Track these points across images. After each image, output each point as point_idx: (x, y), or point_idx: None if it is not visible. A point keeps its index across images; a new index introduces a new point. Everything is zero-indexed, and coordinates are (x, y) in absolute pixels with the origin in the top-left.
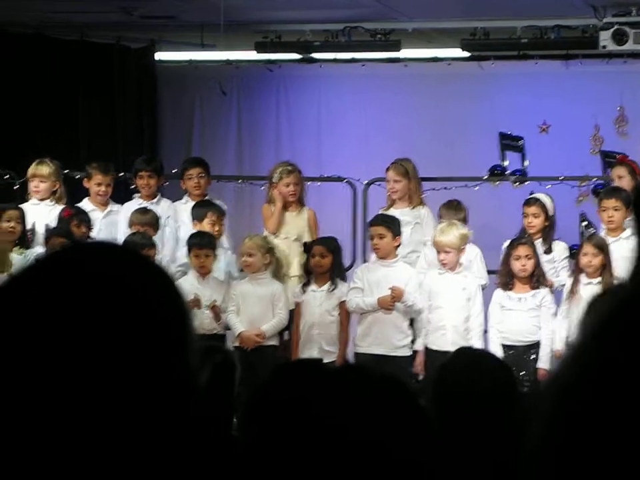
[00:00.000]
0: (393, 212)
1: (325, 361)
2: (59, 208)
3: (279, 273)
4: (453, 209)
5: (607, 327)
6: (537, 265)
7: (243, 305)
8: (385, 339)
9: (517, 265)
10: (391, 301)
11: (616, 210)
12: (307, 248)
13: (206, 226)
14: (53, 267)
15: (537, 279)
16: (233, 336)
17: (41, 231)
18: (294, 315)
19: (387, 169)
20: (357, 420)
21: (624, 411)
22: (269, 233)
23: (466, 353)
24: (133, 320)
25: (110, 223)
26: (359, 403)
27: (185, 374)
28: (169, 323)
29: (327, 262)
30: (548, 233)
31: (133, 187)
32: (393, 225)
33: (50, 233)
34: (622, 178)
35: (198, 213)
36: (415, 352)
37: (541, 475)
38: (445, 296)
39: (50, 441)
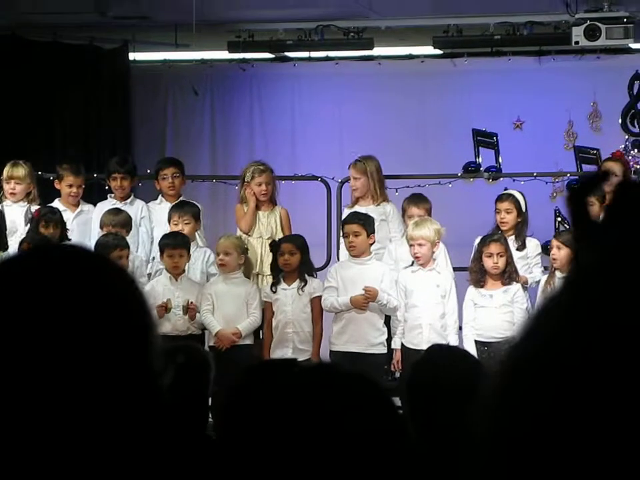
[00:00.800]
0: (357, 209)
1: (300, 359)
2: (33, 209)
3: (249, 273)
4: (415, 202)
5: (551, 306)
6: (509, 261)
7: (218, 305)
8: (360, 336)
9: (489, 262)
10: (364, 301)
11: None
12: (274, 246)
13: (173, 227)
14: (7, 272)
15: (508, 275)
16: (209, 334)
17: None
18: (265, 313)
19: (348, 167)
20: (331, 419)
21: (568, 391)
22: (241, 232)
23: (438, 350)
24: (91, 322)
25: (81, 223)
26: (332, 402)
27: (146, 375)
28: (130, 325)
29: (295, 260)
30: (521, 229)
31: (107, 187)
32: (368, 223)
33: (24, 239)
34: (615, 175)
35: (169, 215)
36: (392, 349)
37: (489, 462)
38: (420, 294)
39: (12, 441)
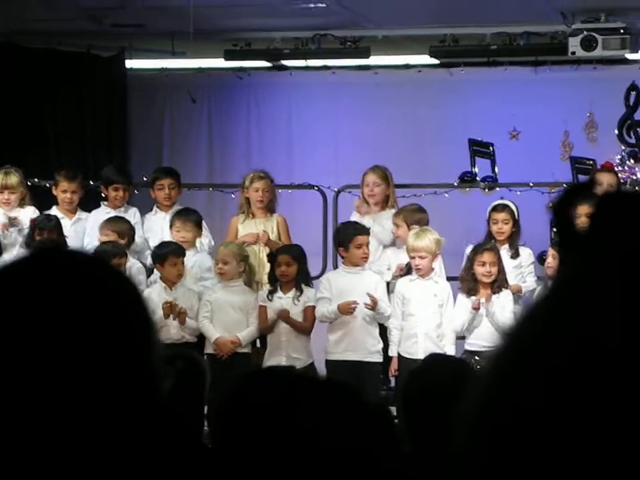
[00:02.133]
0: (381, 214)
1: (295, 367)
2: (25, 213)
3: (251, 281)
4: (413, 212)
5: (534, 311)
6: (500, 270)
7: (217, 313)
8: (357, 345)
9: (480, 270)
10: (351, 308)
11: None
12: (272, 257)
13: (175, 234)
14: (7, 275)
15: (498, 284)
16: (207, 342)
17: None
18: (260, 316)
19: (366, 172)
20: (319, 427)
21: (554, 390)
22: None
23: (435, 359)
24: (93, 326)
25: (78, 231)
26: (319, 412)
27: (148, 380)
28: (132, 329)
29: (292, 270)
30: (514, 238)
31: (103, 195)
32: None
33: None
34: (606, 185)
35: (171, 222)
36: (390, 357)
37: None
38: (417, 303)
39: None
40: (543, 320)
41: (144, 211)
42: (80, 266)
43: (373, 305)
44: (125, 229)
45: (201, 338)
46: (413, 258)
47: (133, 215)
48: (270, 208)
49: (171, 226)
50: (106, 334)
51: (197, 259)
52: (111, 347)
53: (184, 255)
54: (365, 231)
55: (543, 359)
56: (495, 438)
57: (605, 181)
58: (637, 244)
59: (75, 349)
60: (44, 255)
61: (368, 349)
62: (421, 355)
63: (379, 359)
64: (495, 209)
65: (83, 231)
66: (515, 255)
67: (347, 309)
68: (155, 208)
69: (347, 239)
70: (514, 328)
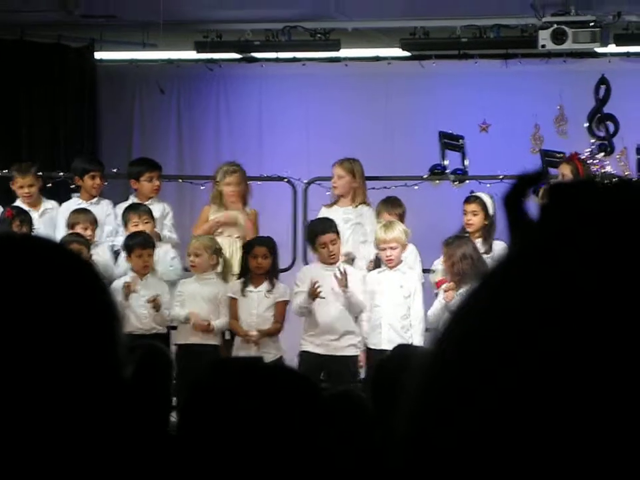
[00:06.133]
0: (336, 210)
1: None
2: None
3: (227, 275)
4: (391, 205)
5: (480, 286)
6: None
7: (189, 304)
8: (331, 337)
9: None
10: (317, 289)
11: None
12: (247, 247)
13: (132, 228)
14: None
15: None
16: (176, 333)
17: None
18: (230, 309)
19: (333, 165)
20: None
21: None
22: (195, 231)
23: (402, 349)
24: (55, 312)
25: (47, 221)
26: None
27: (110, 367)
28: (95, 315)
29: (267, 263)
30: (488, 232)
31: (72, 186)
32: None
33: None
34: (565, 176)
35: (124, 218)
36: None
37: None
38: (383, 294)
39: None
40: (485, 297)
41: (115, 202)
42: (40, 251)
43: (343, 279)
44: (91, 220)
45: (168, 329)
46: (383, 250)
47: (106, 205)
48: (243, 201)
49: (126, 222)
50: (67, 318)
51: (159, 251)
52: (73, 332)
53: (151, 246)
54: (329, 228)
55: (486, 332)
56: (437, 419)
57: (563, 172)
58: (583, 230)
59: (33, 332)
60: (9, 240)
61: (340, 343)
62: (385, 345)
63: (352, 352)
64: (467, 200)
65: (51, 221)
66: (489, 249)
67: (313, 292)
68: (132, 197)
69: (311, 239)
70: (459, 306)
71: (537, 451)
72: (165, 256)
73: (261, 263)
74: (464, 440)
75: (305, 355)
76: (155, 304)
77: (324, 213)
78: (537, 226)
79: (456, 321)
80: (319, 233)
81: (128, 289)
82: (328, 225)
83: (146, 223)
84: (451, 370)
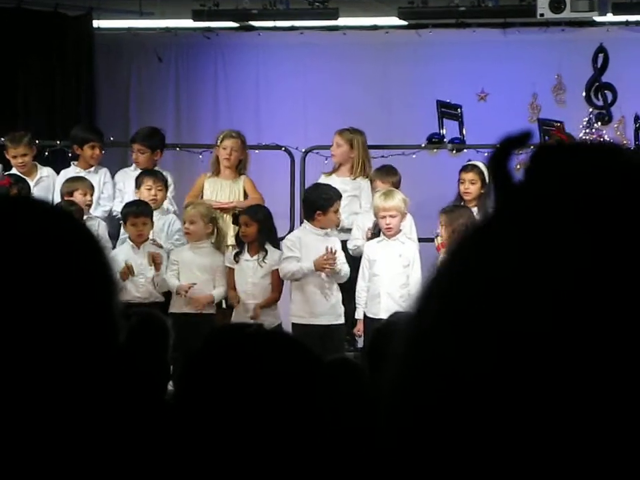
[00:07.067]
0: (334, 179)
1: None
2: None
3: (221, 245)
4: (386, 173)
5: (452, 255)
6: None
7: (184, 273)
8: (319, 308)
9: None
10: (325, 262)
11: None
12: (236, 218)
13: (144, 192)
14: None
15: None
16: (172, 301)
17: None
18: (228, 279)
19: (335, 133)
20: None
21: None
22: (187, 199)
23: (399, 317)
24: (52, 274)
25: (43, 189)
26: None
27: (105, 331)
28: (92, 280)
29: (251, 231)
30: (484, 201)
31: (70, 155)
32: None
33: None
34: None
35: (137, 181)
36: (356, 320)
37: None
38: (381, 263)
39: None
40: (461, 260)
41: (112, 171)
42: (35, 212)
43: (331, 258)
44: (89, 187)
45: (167, 298)
46: (383, 217)
47: (103, 174)
48: (239, 169)
49: (139, 185)
50: (62, 277)
51: (165, 221)
52: (69, 296)
53: (145, 215)
54: (341, 196)
55: (462, 300)
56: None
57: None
58: (565, 191)
59: (28, 292)
60: (5, 202)
61: (330, 313)
62: (383, 314)
63: (340, 321)
64: (464, 168)
65: (48, 188)
66: None
67: (322, 264)
68: (134, 165)
69: (328, 203)
70: (437, 269)
71: (510, 407)
72: (169, 227)
73: (244, 231)
74: (441, 400)
75: (296, 327)
76: (155, 261)
77: (323, 180)
78: (520, 188)
79: (434, 283)
80: (337, 198)
81: (125, 275)
82: (339, 192)
83: (159, 190)
84: (429, 335)
